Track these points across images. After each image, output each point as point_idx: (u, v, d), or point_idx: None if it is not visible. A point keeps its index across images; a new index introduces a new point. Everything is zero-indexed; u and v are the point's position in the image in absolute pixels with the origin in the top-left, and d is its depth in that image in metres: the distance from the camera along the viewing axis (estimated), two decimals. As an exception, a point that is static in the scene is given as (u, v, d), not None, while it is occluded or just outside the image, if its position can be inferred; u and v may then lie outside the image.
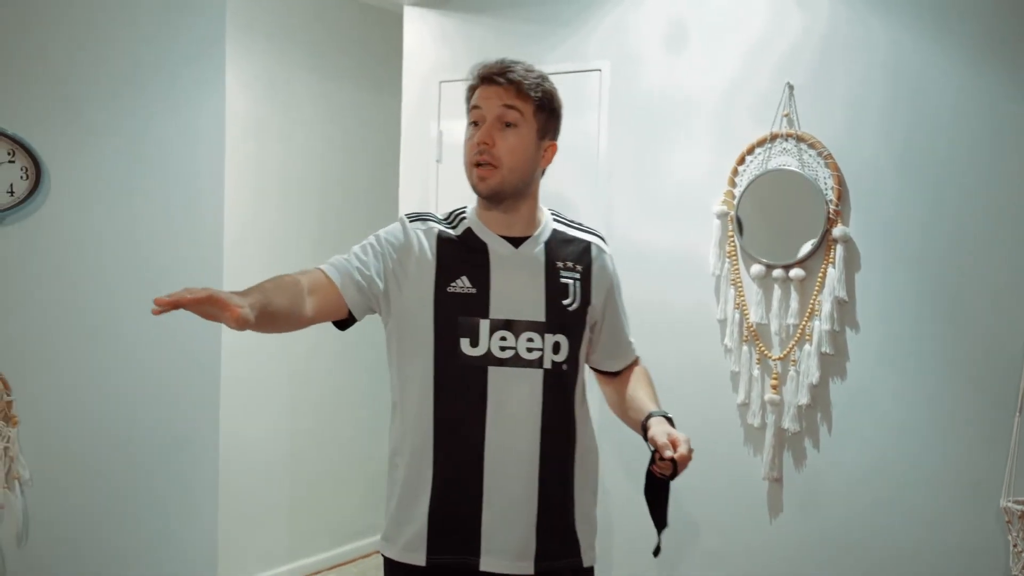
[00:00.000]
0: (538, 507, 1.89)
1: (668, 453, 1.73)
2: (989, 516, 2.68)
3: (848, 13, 2.90)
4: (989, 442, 2.69)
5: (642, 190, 3.30)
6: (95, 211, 2.74)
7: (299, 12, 4.34)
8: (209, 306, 1.52)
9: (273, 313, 1.70)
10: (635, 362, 2.14)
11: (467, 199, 3.79)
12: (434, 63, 3.83)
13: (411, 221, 1.95)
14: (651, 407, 1.93)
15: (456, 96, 3.73)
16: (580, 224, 2.06)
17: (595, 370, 2.12)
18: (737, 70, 3.10)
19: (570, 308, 1.93)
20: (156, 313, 1.48)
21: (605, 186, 3.33)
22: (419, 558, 1.89)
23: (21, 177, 2.53)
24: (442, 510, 1.88)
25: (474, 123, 1.90)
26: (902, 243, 2.83)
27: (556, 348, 1.90)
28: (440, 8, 3.79)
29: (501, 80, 1.87)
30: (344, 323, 1.92)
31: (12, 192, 2.53)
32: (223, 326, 2.97)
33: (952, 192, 2.75)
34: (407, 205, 3.90)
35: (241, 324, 1.54)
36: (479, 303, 1.88)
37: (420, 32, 3.87)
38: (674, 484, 3.14)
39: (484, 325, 1.87)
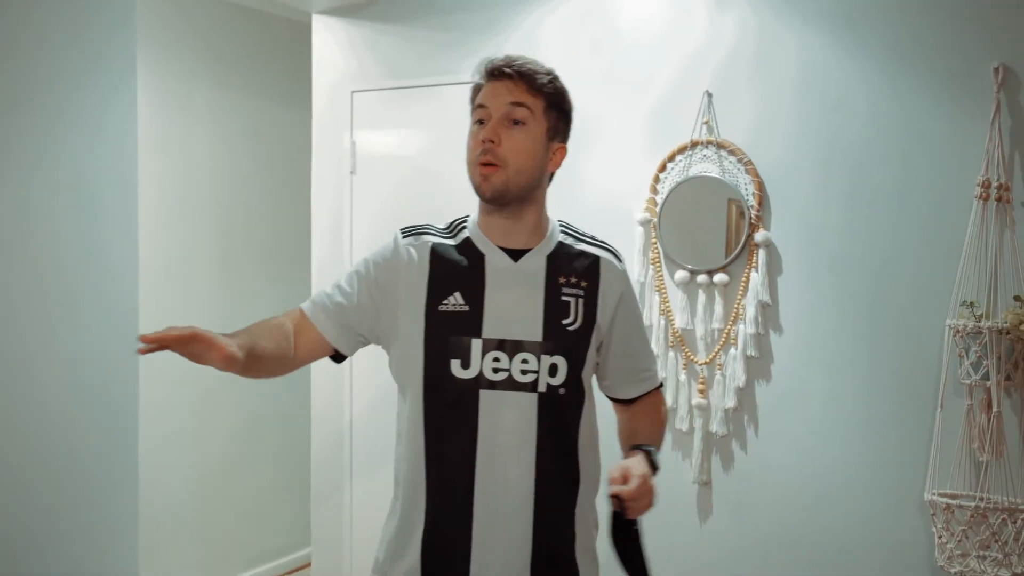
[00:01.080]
0: (533, 539, 1.77)
1: (612, 488, 1.63)
2: (914, 509, 2.76)
3: (765, 22, 2.96)
4: (912, 438, 2.77)
5: (563, 198, 3.25)
6: (3, 229, 2.59)
7: (201, 23, 4.20)
8: (195, 344, 1.50)
9: (260, 356, 1.67)
10: (654, 391, 2.00)
11: (382, 209, 3.74)
12: (344, 73, 3.76)
13: (404, 236, 1.84)
14: (640, 440, 1.85)
15: (368, 106, 3.70)
16: (592, 237, 1.92)
17: (610, 398, 1.99)
18: (656, 78, 3.13)
19: (570, 328, 1.79)
20: (142, 352, 1.46)
21: (526, 195, 3.31)
22: None
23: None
24: (435, 543, 1.78)
25: (479, 121, 1.78)
26: (822, 246, 2.90)
27: (553, 371, 1.76)
28: (350, 17, 3.72)
29: (510, 73, 1.76)
30: (338, 356, 1.87)
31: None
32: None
33: (868, 195, 2.83)
34: (320, 218, 3.82)
35: (229, 363, 1.51)
36: (472, 322, 1.75)
37: (329, 42, 3.79)
38: (603, 488, 3.17)
39: (476, 345, 1.75)
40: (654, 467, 1.78)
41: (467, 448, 1.75)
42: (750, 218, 2.94)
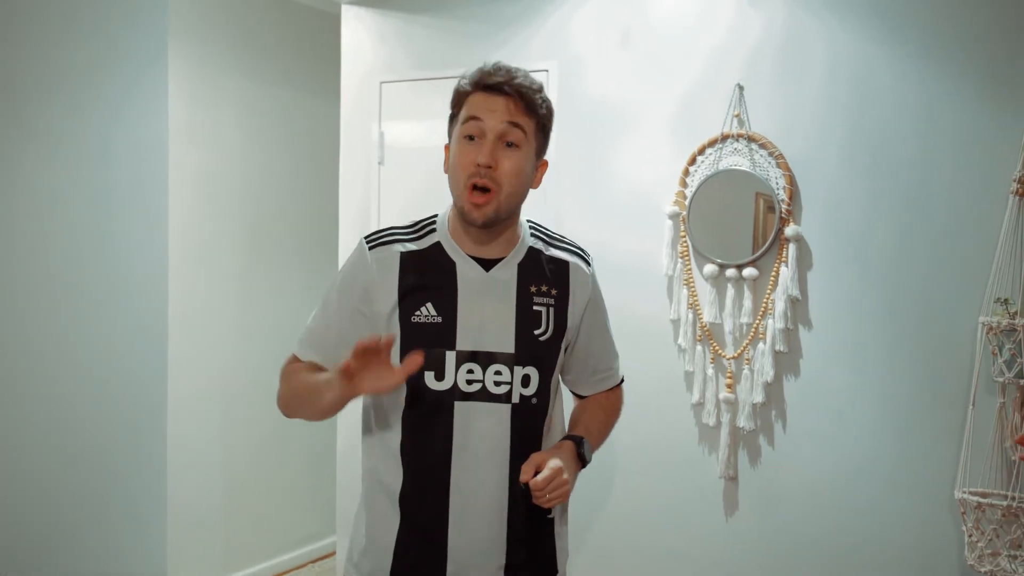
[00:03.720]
0: (507, 546, 1.79)
1: (523, 476, 1.68)
2: (943, 508, 2.74)
3: (796, 15, 2.93)
4: (942, 435, 2.74)
5: (591, 192, 3.29)
6: (34, 219, 2.61)
7: (229, 13, 4.21)
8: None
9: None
10: (613, 388, 2.01)
11: (409, 200, 3.74)
12: (373, 64, 3.76)
13: (370, 248, 1.80)
14: (578, 430, 1.88)
15: (397, 96, 3.70)
16: (561, 239, 1.89)
17: (571, 391, 2.02)
18: (686, 70, 3.11)
19: (542, 338, 1.78)
20: None
21: (553, 188, 3.31)
22: None
23: (-45, 184, 2.40)
24: (408, 550, 1.80)
25: (468, 136, 1.70)
26: (853, 241, 2.88)
27: (525, 381, 1.76)
28: (379, 7, 3.72)
29: (509, 91, 1.68)
30: None
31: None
32: (168, 334, 2.94)
33: (900, 190, 2.80)
34: (348, 208, 3.83)
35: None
36: (445, 334, 1.74)
37: (358, 32, 3.79)
38: (631, 482, 3.17)
39: (450, 357, 1.74)
40: (582, 459, 1.81)
41: (442, 457, 1.76)
42: (780, 212, 2.91)
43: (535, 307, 1.79)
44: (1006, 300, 2.60)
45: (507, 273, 1.79)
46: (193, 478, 4.05)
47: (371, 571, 1.84)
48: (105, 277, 2.78)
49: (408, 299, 1.76)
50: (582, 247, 1.92)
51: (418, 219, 1.86)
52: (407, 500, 1.80)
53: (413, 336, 1.75)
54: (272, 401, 1.93)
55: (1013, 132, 2.63)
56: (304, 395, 1.78)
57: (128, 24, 2.83)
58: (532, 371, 1.77)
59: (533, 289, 1.79)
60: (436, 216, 1.85)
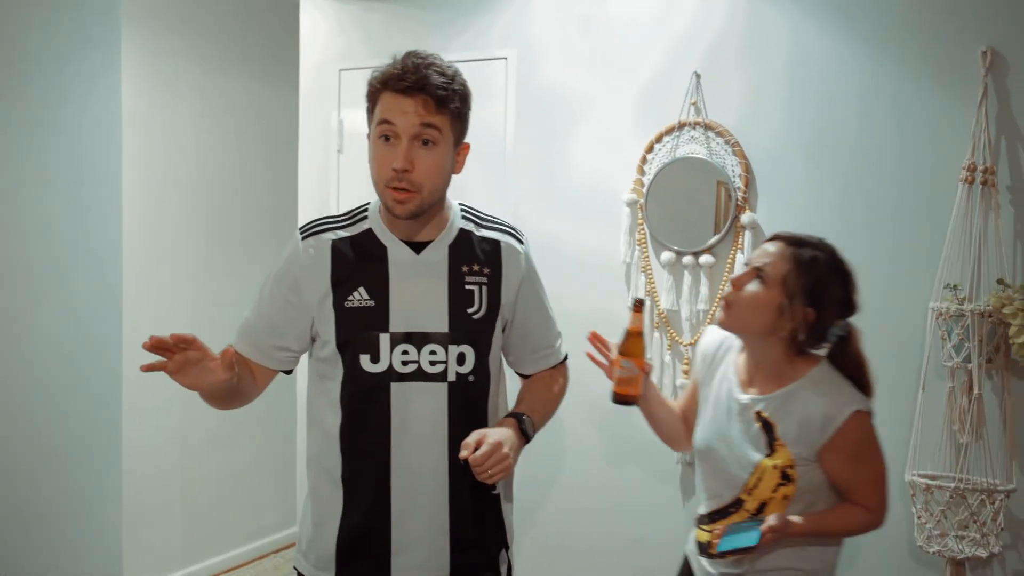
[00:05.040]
0: (451, 524, 1.82)
1: (462, 453, 1.70)
2: (894, 490, 2.75)
3: (754, 4, 2.96)
4: (893, 419, 2.77)
5: (550, 180, 3.30)
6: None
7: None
8: (193, 349, 1.61)
9: (240, 380, 1.77)
10: (556, 366, 2.05)
11: (368, 188, 3.72)
12: (332, 51, 3.74)
13: (303, 237, 1.83)
14: (522, 408, 1.90)
15: (356, 84, 3.68)
16: (493, 220, 1.92)
17: (516, 372, 2.04)
18: (645, 59, 3.13)
19: (475, 316, 1.81)
20: (144, 369, 1.64)
21: (512, 177, 3.31)
22: None
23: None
24: (352, 532, 1.82)
25: (384, 136, 1.72)
26: (807, 228, 2.85)
27: (461, 359, 1.79)
28: (338, -6, 3.71)
29: (417, 94, 1.68)
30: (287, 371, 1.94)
31: None
32: (123, 327, 2.90)
33: (854, 178, 2.84)
34: (306, 197, 3.81)
35: (229, 368, 1.64)
36: (378, 316, 1.77)
37: (317, 19, 3.77)
38: (588, 468, 3.18)
39: (384, 340, 1.77)
40: (525, 434, 1.83)
41: (381, 439, 1.78)
42: (736, 200, 2.94)
43: (467, 286, 1.82)
44: (955, 286, 2.64)
45: (438, 254, 1.81)
46: (150, 469, 4.01)
47: (318, 557, 1.86)
48: (57, 268, 2.74)
49: (341, 286, 1.79)
50: (514, 226, 1.95)
51: (352, 207, 1.89)
52: (349, 484, 1.82)
53: (347, 321, 1.78)
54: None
55: (964, 121, 2.68)
56: None
57: (81, 11, 2.78)
58: (467, 349, 1.80)
59: (465, 269, 1.82)
60: (368, 204, 1.87)
